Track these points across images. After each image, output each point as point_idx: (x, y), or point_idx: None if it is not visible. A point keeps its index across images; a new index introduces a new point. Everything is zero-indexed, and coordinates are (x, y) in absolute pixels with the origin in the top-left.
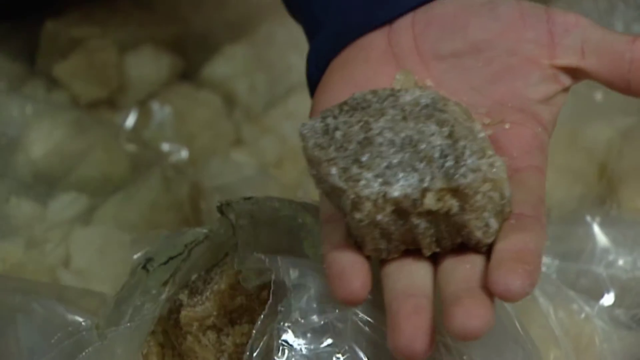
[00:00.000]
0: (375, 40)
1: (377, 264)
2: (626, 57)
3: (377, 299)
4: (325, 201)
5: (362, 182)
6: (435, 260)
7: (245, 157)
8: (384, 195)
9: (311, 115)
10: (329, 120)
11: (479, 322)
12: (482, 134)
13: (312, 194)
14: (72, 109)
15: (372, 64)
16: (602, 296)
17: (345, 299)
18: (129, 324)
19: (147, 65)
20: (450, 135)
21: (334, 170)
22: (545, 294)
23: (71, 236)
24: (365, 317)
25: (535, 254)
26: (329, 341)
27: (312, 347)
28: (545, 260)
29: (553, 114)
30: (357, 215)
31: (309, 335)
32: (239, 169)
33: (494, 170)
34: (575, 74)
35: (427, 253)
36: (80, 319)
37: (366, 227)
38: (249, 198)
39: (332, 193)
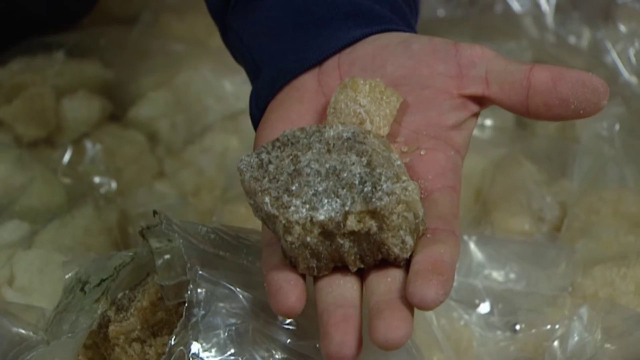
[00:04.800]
0: (307, 82)
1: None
2: (524, 85)
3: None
4: (265, 227)
5: (292, 209)
6: (362, 275)
7: (167, 187)
8: (311, 220)
9: (254, 149)
10: (263, 155)
11: (398, 333)
12: (398, 162)
13: (224, 219)
14: (15, 147)
15: (305, 103)
16: (478, 305)
17: (283, 312)
18: (69, 335)
19: (81, 108)
20: (368, 163)
21: (267, 199)
22: None
23: (15, 258)
24: (263, 328)
25: (449, 265)
26: (232, 350)
27: (218, 358)
28: None
29: (464, 137)
30: (289, 238)
31: (214, 347)
32: (162, 198)
33: (407, 192)
34: (482, 101)
35: (353, 269)
36: (23, 330)
37: (298, 248)
38: (168, 222)
39: (267, 220)
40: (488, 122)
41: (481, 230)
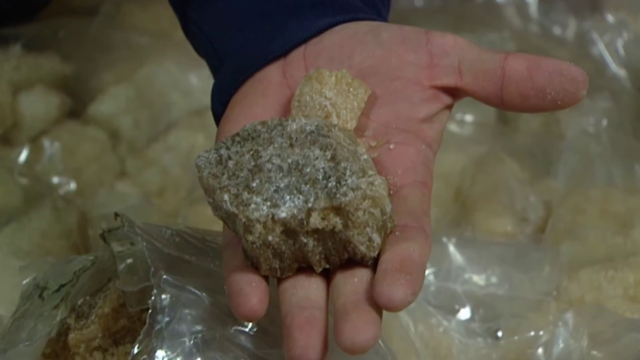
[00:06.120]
0: (271, 74)
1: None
2: (498, 74)
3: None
4: (226, 228)
5: (252, 206)
6: (328, 276)
7: (129, 187)
8: (273, 217)
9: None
10: (222, 151)
11: (365, 336)
12: (365, 156)
13: (189, 220)
14: None
15: (270, 97)
16: (458, 311)
17: (245, 316)
18: (27, 343)
19: (38, 104)
20: (332, 158)
21: (226, 197)
22: (406, 310)
23: None
24: (230, 335)
25: (418, 264)
26: (198, 359)
27: None
28: None
29: (436, 131)
30: (250, 238)
31: (180, 356)
32: (124, 198)
33: (374, 187)
34: (455, 92)
35: (318, 269)
36: None
37: (259, 248)
38: (130, 224)
39: (227, 219)
40: (468, 118)
41: (461, 232)
